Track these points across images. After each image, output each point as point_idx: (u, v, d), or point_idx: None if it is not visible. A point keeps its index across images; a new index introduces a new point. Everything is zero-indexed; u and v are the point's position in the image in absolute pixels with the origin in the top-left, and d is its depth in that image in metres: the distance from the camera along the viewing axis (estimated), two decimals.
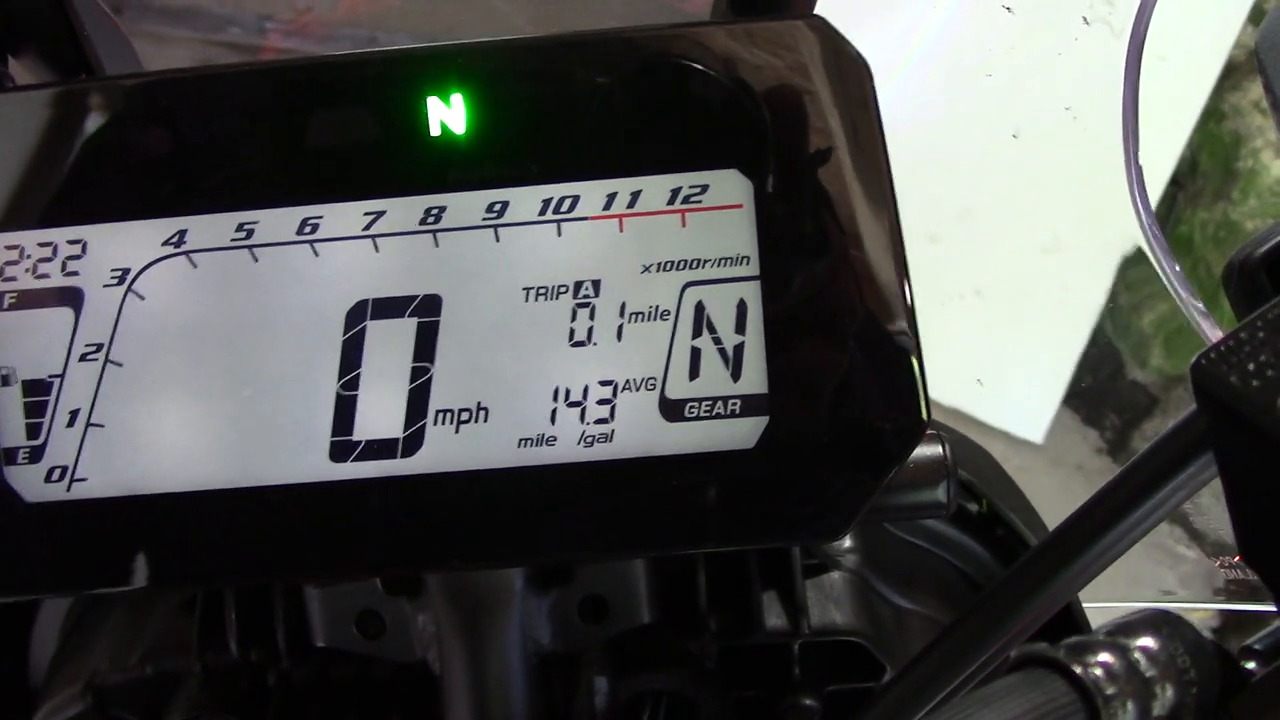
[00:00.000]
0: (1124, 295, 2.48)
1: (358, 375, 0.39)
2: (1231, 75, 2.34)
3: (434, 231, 0.39)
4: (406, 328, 0.39)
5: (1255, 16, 2.25)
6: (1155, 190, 2.38)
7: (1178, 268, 0.49)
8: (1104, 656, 0.30)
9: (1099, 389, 2.56)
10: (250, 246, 0.39)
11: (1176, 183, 2.48)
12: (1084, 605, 0.60)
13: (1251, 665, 0.34)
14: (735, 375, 0.39)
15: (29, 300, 0.39)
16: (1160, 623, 0.31)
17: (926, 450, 0.47)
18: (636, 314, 0.39)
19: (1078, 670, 0.29)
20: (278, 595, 0.53)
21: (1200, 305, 0.49)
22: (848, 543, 0.58)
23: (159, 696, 0.55)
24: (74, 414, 0.40)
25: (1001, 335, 2.37)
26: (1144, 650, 0.31)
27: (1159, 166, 2.35)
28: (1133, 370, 2.53)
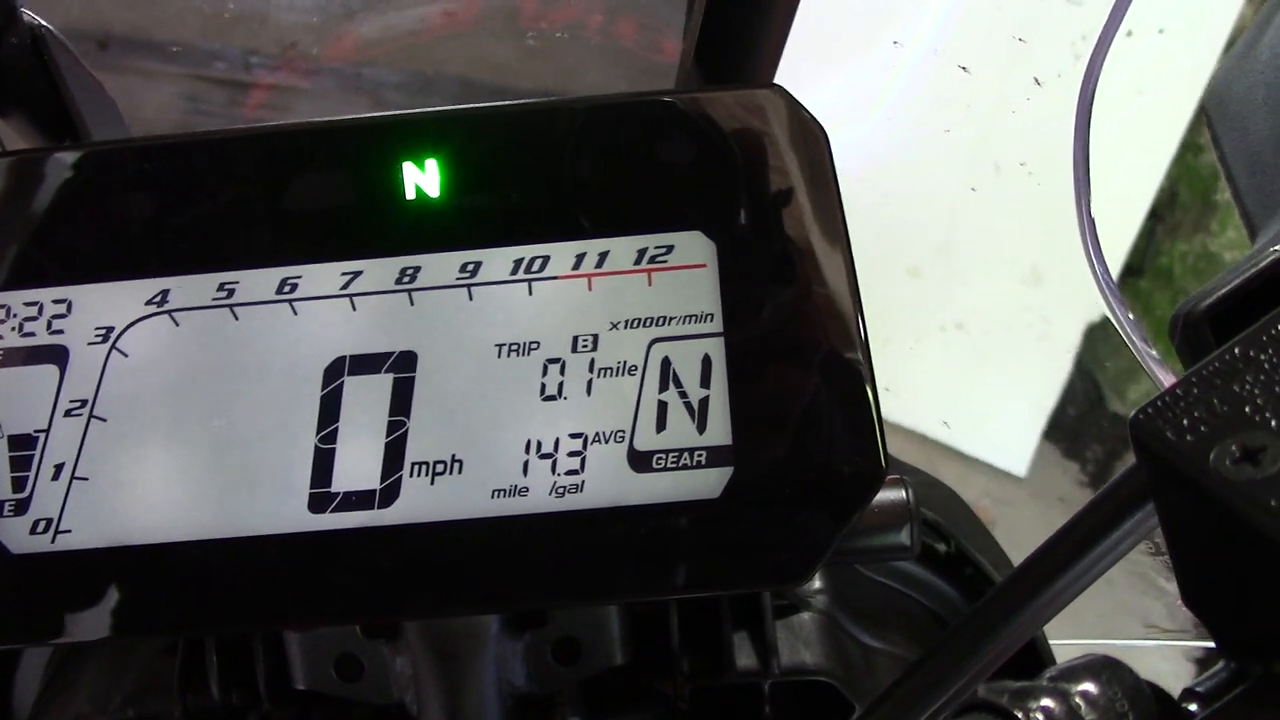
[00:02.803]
0: (1105, 329, 2.50)
1: (335, 429, 0.41)
2: None
3: (409, 290, 0.40)
4: (383, 383, 0.41)
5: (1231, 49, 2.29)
6: (1134, 222, 2.41)
7: (1131, 315, 0.51)
8: (1045, 702, 0.31)
9: (1081, 422, 2.58)
10: (231, 305, 0.40)
11: (1156, 215, 2.51)
12: (1060, 642, 0.61)
13: (1193, 707, 0.35)
14: (701, 427, 0.40)
15: (15, 358, 0.41)
16: (1100, 668, 0.33)
17: (889, 495, 0.49)
18: (605, 369, 0.40)
19: (1020, 716, 0.31)
20: (258, 639, 0.54)
21: (1155, 353, 0.50)
22: (818, 584, 0.59)
23: None
24: (59, 468, 0.41)
25: (983, 368, 2.39)
26: (1084, 695, 0.32)
27: (1138, 199, 2.38)
28: (1114, 403, 2.56)
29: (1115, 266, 2.50)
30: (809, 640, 0.56)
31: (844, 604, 0.59)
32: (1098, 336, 2.49)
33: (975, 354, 2.34)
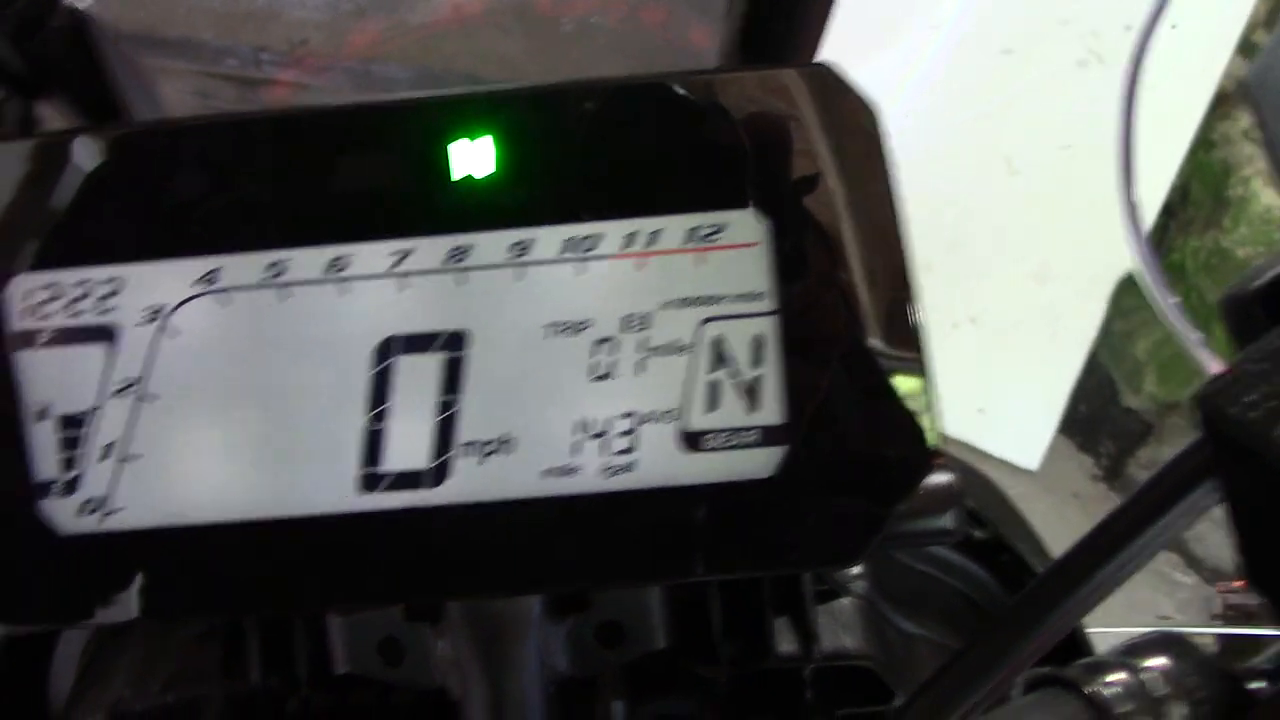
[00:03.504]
0: (1117, 322, 2.50)
1: (385, 409, 0.40)
2: (1221, 104, 2.37)
3: (459, 270, 0.40)
4: (433, 363, 0.40)
5: (1244, 47, 2.28)
6: (1148, 219, 2.41)
7: (1173, 299, 0.50)
8: (1116, 677, 0.31)
9: (1093, 416, 2.58)
10: (280, 285, 0.40)
11: (1168, 211, 2.51)
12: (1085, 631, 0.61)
13: (1256, 686, 0.35)
14: (752, 407, 0.40)
15: (64, 337, 0.41)
16: (1169, 644, 0.32)
17: (935, 478, 0.49)
18: (656, 348, 0.40)
19: (1091, 690, 0.31)
20: (299, 623, 0.54)
21: (1198, 335, 0.50)
22: (857, 569, 0.59)
23: None
24: (108, 447, 0.41)
25: (997, 363, 2.38)
26: (1154, 670, 0.32)
27: (1151, 195, 2.38)
28: (1127, 397, 2.55)
29: (1127, 264, 2.52)
30: (849, 625, 0.56)
31: (882, 590, 0.59)
32: (1112, 328, 2.48)
33: (989, 349, 2.34)
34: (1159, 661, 0.32)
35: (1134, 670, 0.32)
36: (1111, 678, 0.31)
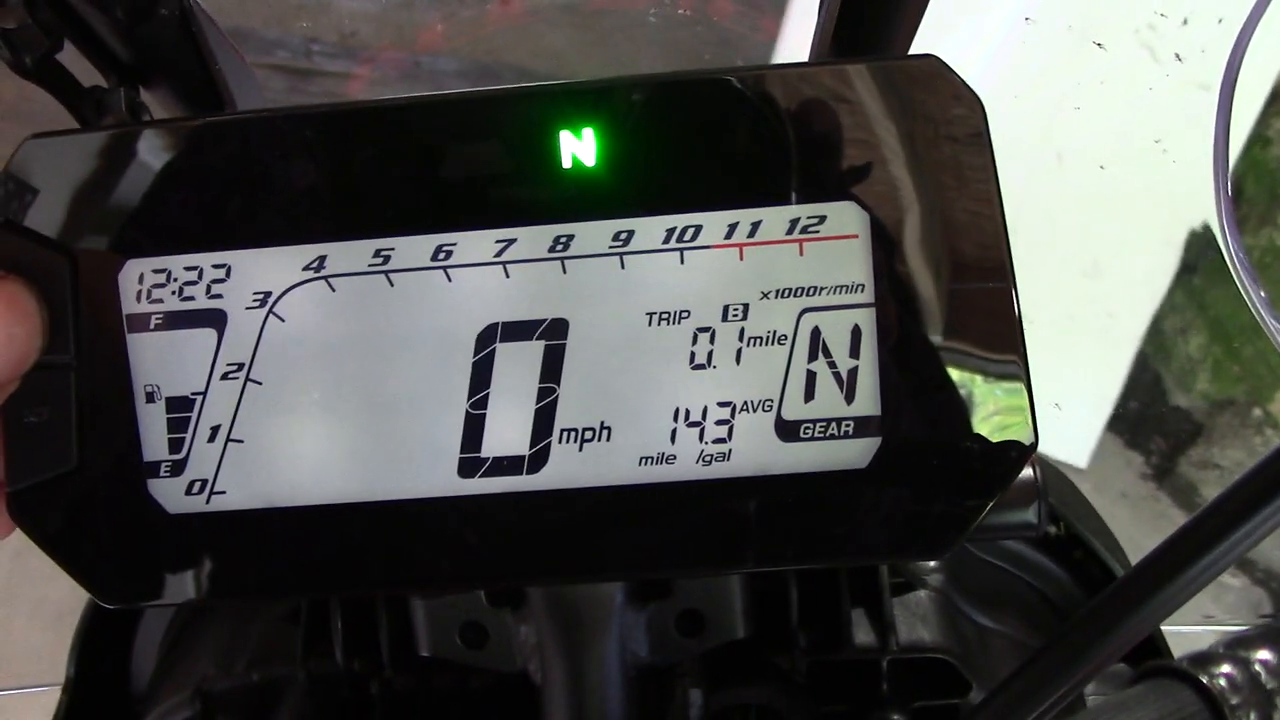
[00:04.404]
0: (1168, 320, 2.47)
1: (487, 395, 0.41)
2: (1277, 101, 2.34)
3: (562, 259, 0.41)
4: (534, 350, 0.41)
5: None
6: (1201, 217, 2.38)
7: (1264, 293, 0.50)
8: (1227, 668, 0.31)
9: (1143, 414, 2.55)
10: (386, 271, 0.41)
11: None
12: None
13: None
14: (849, 398, 0.41)
15: (175, 321, 0.41)
16: (1278, 636, 0.32)
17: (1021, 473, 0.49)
18: (755, 338, 0.41)
19: (1204, 681, 0.31)
20: (382, 605, 0.55)
21: None
22: (933, 563, 0.59)
23: (264, 703, 0.57)
24: (215, 430, 0.42)
25: (1046, 359, 2.37)
26: (1264, 663, 0.32)
27: (1206, 191, 2.35)
28: (1177, 396, 2.52)
29: (1175, 262, 2.50)
30: (925, 618, 0.57)
31: (958, 583, 0.59)
32: (1163, 326, 2.46)
33: (1038, 345, 2.32)
34: (1268, 654, 0.32)
35: (1244, 662, 0.32)
36: (1222, 669, 0.31)
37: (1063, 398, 2.40)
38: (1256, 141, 2.44)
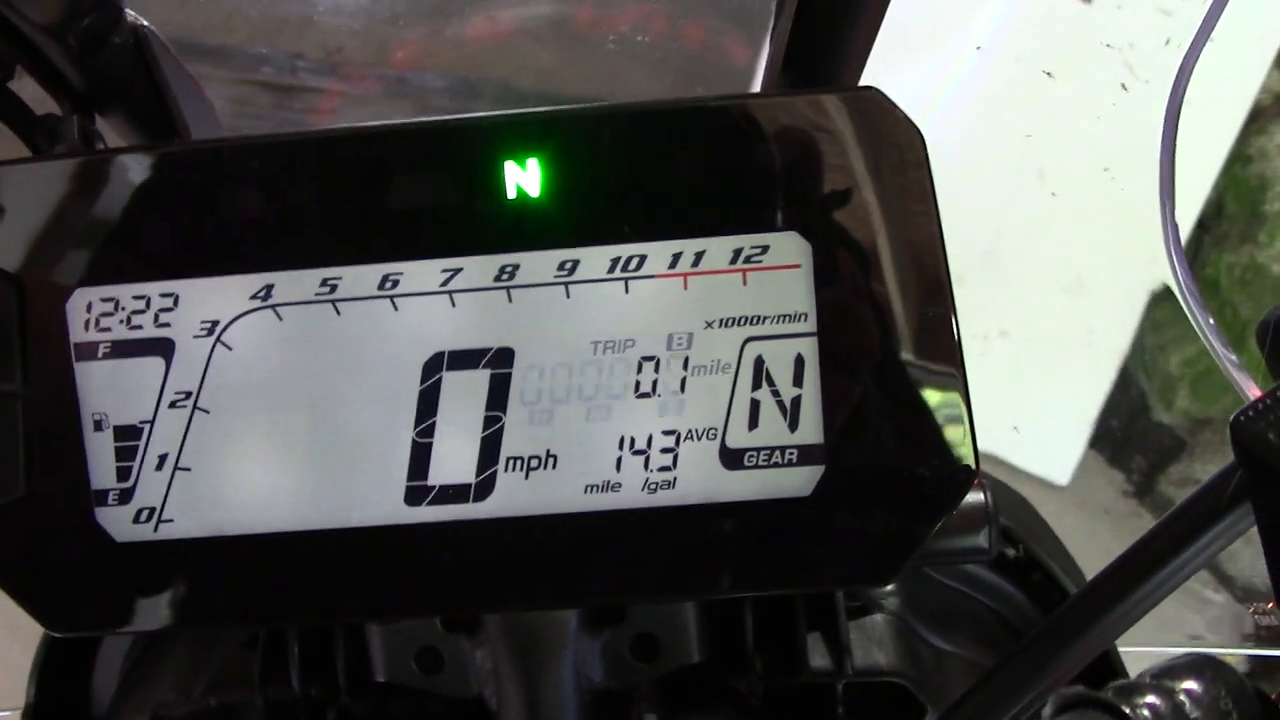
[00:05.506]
0: (1150, 337, 2.48)
1: (433, 423, 0.41)
2: (1258, 119, 2.36)
3: (508, 288, 0.41)
4: (480, 379, 0.41)
5: None
6: (1182, 233, 2.40)
7: (1212, 320, 0.51)
8: (1151, 699, 0.32)
9: (1125, 431, 2.56)
10: (333, 300, 0.41)
11: (1203, 226, 2.48)
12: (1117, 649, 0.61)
13: None
14: (793, 426, 0.41)
15: (122, 350, 0.42)
16: (1204, 666, 0.33)
17: (969, 497, 0.49)
18: (699, 367, 0.41)
19: (1126, 711, 0.31)
20: (339, 632, 0.55)
21: (1235, 358, 0.50)
22: (889, 586, 0.60)
23: None
24: (162, 458, 0.42)
25: (1028, 377, 2.37)
26: (1189, 693, 0.32)
27: (1186, 210, 2.36)
28: (1159, 412, 2.53)
29: (1160, 278, 2.51)
30: (881, 641, 0.57)
31: (914, 606, 0.60)
32: (1145, 343, 2.47)
33: (1020, 362, 2.33)
34: (1193, 684, 0.33)
35: (1168, 692, 0.32)
36: (1146, 699, 0.32)
37: (1044, 415, 2.41)
38: (1237, 160, 2.45)
